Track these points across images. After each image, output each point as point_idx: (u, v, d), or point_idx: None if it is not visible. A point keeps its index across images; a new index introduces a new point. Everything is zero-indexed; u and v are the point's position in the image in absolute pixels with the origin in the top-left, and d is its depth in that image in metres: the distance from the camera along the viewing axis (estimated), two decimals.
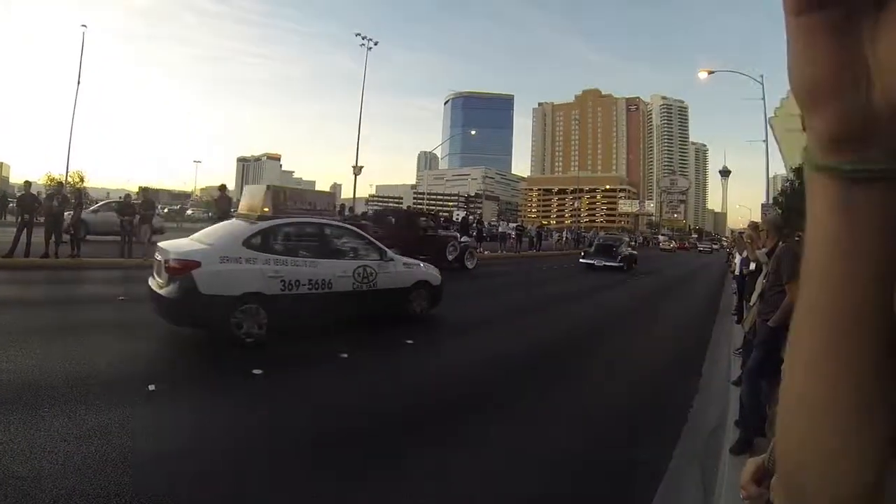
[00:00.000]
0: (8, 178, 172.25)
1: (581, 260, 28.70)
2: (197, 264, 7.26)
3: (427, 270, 10.49)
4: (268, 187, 9.64)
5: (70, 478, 3.38)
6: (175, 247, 7.87)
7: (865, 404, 0.41)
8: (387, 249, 9.86)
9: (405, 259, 10.33)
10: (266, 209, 9.02)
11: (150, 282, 7.74)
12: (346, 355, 6.97)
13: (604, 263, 27.11)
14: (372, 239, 10.05)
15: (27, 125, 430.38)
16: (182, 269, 7.19)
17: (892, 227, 0.38)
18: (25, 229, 13.63)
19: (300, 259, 8.39)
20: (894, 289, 0.40)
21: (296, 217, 9.27)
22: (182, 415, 4.78)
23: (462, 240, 22.58)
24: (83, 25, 34.16)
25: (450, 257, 19.92)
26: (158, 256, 7.74)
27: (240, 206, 10.42)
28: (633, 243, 42.23)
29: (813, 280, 0.50)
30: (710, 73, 32.75)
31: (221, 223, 9.73)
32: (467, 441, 4.70)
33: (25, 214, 14.11)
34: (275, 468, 3.88)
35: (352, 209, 25.76)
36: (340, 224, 10.56)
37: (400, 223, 20.60)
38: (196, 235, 8.72)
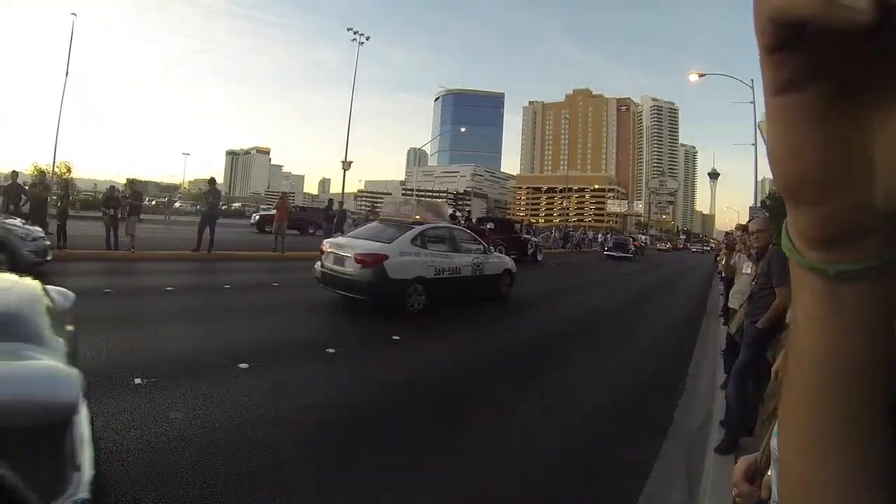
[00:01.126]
0: None
1: (605, 252, 44.20)
2: (386, 257, 10.03)
3: (509, 261, 14.10)
4: (418, 201, 14.29)
5: None
6: (358, 245, 10.45)
7: (865, 484, 0.40)
8: (487, 246, 13.53)
9: (496, 253, 14.30)
10: (418, 216, 12.43)
11: (327, 267, 10.57)
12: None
13: (620, 254, 41.99)
14: (478, 238, 13.60)
15: (14, 116, 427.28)
16: (375, 261, 9.92)
17: (881, 314, 0.37)
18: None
19: (442, 253, 11.46)
20: (886, 372, 0.39)
21: (437, 223, 12.61)
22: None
23: (534, 240, 30.87)
24: (73, 14, 33.67)
25: (528, 252, 28.05)
26: (339, 251, 10.47)
27: (383, 213, 14.10)
28: (638, 242, 59.71)
29: (803, 362, 0.47)
30: (701, 75, 32.85)
31: (379, 225, 12.28)
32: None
33: (11, 205, 14.08)
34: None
35: (341, 204, 25.66)
36: (461, 228, 14.68)
37: (498, 227, 28.36)
38: (358, 233, 11.96)
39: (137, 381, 5.13)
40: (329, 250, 10.75)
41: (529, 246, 28.93)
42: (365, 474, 3.84)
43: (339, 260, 10.36)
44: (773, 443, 0.92)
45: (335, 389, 5.62)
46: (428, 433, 4.70)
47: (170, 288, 10.54)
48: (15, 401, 2.12)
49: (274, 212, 22.56)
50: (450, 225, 13.36)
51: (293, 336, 7.86)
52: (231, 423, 4.47)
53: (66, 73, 34.14)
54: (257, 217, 32.22)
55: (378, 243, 10.48)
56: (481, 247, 12.96)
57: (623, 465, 4.50)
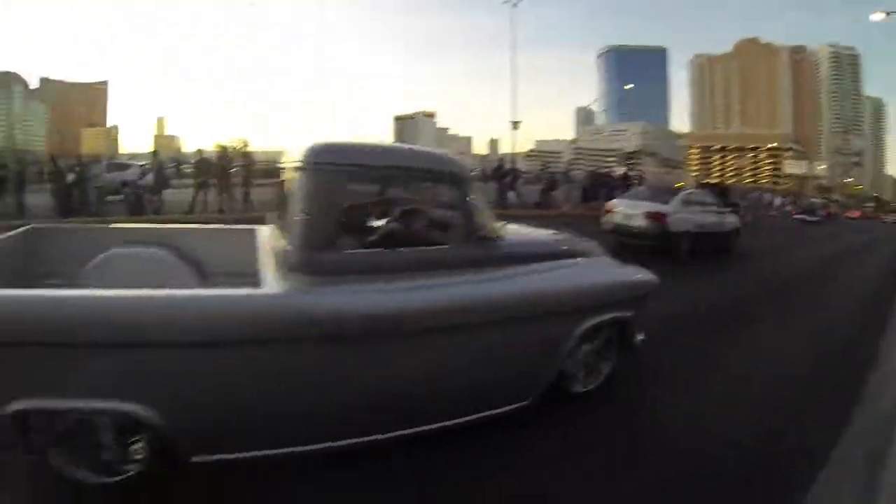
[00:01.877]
0: (181, 148, 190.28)
1: (795, 216, 47.33)
2: (667, 214, 12.98)
3: (736, 220, 16.55)
4: (668, 172, 21.67)
5: None
6: (644, 206, 13.40)
7: None
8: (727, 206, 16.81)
9: (727, 212, 16.29)
10: (680, 183, 19.37)
11: (619, 222, 13.74)
12: None
13: (810, 219, 45.23)
14: (715, 199, 16.08)
15: (197, 102, 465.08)
16: (661, 217, 12.90)
17: None
18: (202, 190, 16.46)
19: (699, 212, 14.13)
20: None
21: (692, 189, 17.70)
22: None
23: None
24: (251, 3, 36.13)
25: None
26: (629, 209, 13.67)
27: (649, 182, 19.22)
28: (830, 210, 67.42)
29: None
30: (888, 14, 29.08)
31: (647, 190, 16.35)
32: None
33: (201, 177, 16.68)
34: None
35: (512, 162, 25.88)
36: (707, 192, 17.49)
37: (716, 192, 29.24)
38: (635, 195, 15.35)
39: None
40: (619, 209, 13.98)
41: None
42: None
43: (629, 216, 13.48)
44: None
45: None
46: None
47: None
48: (644, 281, 4.79)
49: None
50: (701, 190, 18.14)
51: None
52: None
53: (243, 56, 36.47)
54: None
55: (658, 204, 13.36)
56: (720, 208, 15.66)
57: (799, 446, 4.19)
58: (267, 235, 4.26)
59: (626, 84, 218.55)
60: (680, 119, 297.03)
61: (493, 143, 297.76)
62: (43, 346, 2.61)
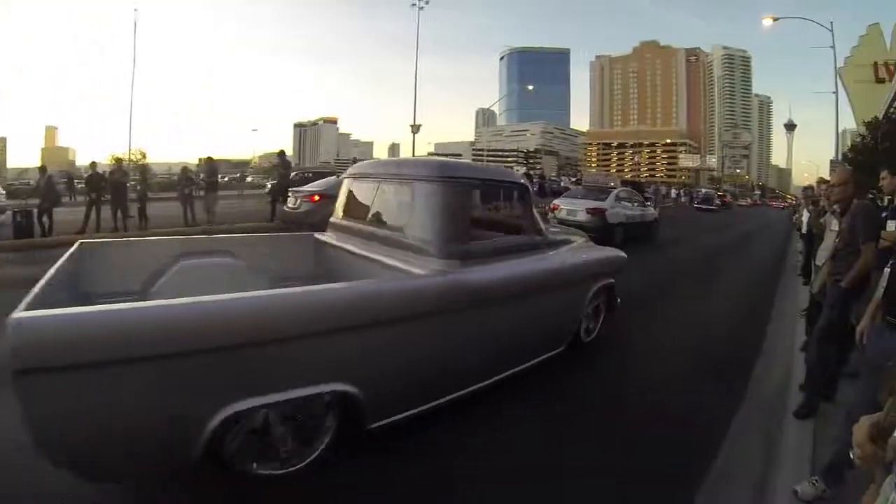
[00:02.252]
0: (74, 161, 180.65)
1: (696, 206, 53.42)
2: (605, 210, 15.40)
3: (655, 212, 19.59)
4: (607, 174, 28.80)
5: None
6: (584, 203, 15.81)
7: None
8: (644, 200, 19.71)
9: (648, 205, 19.66)
10: (612, 184, 21.30)
11: (562, 217, 15.40)
12: None
13: (707, 207, 51.73)
14: (638, 195, 19.51)
15: (89, 110, 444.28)
16: (601, 212, 15.26)
17: None
18: (94, 207, 14.82)
19: (628, 206, 16.89)
20: None
21: (623, 187, 20.83)
22: None
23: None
24: (135, 10, 35.03)
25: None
26: (571, 206, 16.01)
27: (585, 181, 23.45)
28: (728, 199, 74.78)
29: None
30: (775, 19, 31.29)
31: (584, 189, 19.42)
32: None
33: (93, 193, 15.09)
34: None
35: None
36: (631, 189, 20.58)
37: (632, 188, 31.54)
38: (573, 195, 18.15)
39: None
40: (563, 207, 16.31)
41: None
42: None
43: (573, 212, 15.63)
44: None
45: None
46: None
47: None
48: (620, 257, 6.39)
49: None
50: (628, 188, 21.12)
51: None
52: None
53: (133, 63, 35.43)
54: (269, 185, 28.06)
55: (597, 201, 15.84)
56: (642, 202, 18.85)
57: (698, 426, 4.43)
58: (336, 239, 5.26)
59: (528, 85, 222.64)
60: (581, 118, 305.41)
61: (394, 148, 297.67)
62: (255, 346, 2.83)
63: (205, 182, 17.10)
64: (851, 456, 1.18)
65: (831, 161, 26.02)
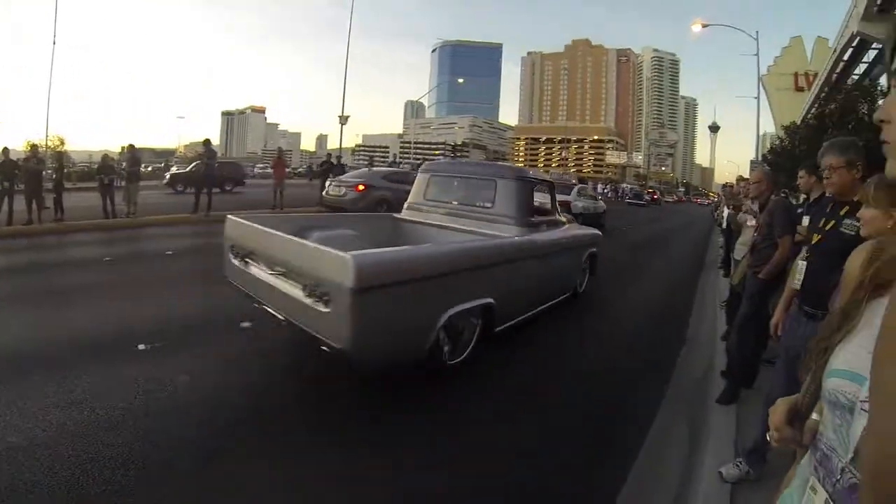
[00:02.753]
0: None
1: (627, 201, 58.07)
2: (570, 202, 18.67)
3: (604, 204, 23.41)
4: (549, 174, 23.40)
5: (64, 444, 3.34)
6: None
7: None
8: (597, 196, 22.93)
9: (599, 198, 23.87)
10: (573, 181, 27.59)
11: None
12: None
13: (638, 202, 57.14)
14: (591, 190, 23.78)
15: (2, 94, 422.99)
16: (567, 204, 17.47)
17: None
18: (6, 197, 13.41)
19: (584, 199, 20.15)
20: None
21: (580, 184, 24.78)
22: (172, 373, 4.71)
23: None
24: None
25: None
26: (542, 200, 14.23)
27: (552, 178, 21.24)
28: (658, 196, 77.96)
29: None
30: (704, 26, 32.09)
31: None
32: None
33: (5, 182, 13.66)
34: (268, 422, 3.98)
35: (339, 157, 25.23)
36: (585, 185, 24.40)
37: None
38: (538, 189, 17.96)
39: (141, 346, 5.11)
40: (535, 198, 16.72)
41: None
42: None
43: (543, 204, 15.56)
44: (831, 384, 0.89)
45: None
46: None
47: (169, 252, 10.56)
48: (597, 233, 9.42)
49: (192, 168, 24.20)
50: (586, 184, 27.27)
51: None
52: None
53: (53, 43, 33.48)
54: (168, 175, 29.56)
55: (563, 195, 17.54)
56: (592, 196, 23.22)
57: (626, 412, 4.58)
58: (416, 217, 7.30)
59: (459, 78, 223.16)
60: (510, 113, 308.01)
61: (322, 139, 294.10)
62: (454, 274, 4.66)
63: (126, 171, 16.14)
64: (769, 438, 1.21)
65: (751, 161, 27.13)
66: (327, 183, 18.67)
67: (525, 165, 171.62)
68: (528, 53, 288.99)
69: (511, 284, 5.67)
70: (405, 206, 7.64)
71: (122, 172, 16.64)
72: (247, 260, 5.11)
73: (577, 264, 8.20)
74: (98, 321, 5.88)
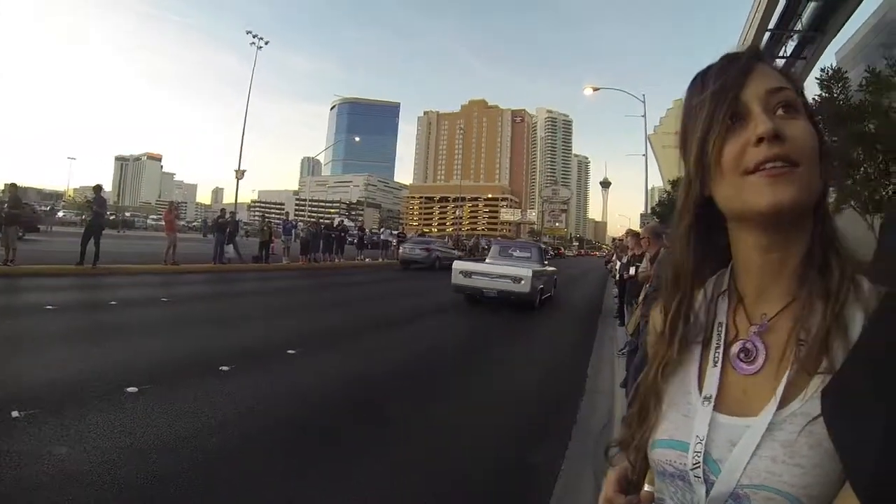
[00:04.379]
0: None
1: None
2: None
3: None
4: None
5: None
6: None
7: None
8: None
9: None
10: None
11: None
12: None
13: (548, 256, 57.75)
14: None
15: None
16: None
17: None
18: None
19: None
20: None
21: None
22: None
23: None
24: None
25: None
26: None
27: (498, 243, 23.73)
28: (563, 251, 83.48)
29: None
30: (596, 89, 34.30)
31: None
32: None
33: None
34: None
35: (233, 213, 24.60)
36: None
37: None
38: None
39: (15, 413, 4.51)
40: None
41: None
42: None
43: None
44: (656, 455, 0.89)
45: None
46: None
47: (50, 307, 9.49)
48: (555, 269, 20.45)
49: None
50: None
51: (184, 354, 7.28)
52: (123, 452, 4.09)
53: None
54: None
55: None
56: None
57: (532, 466, 4.52)
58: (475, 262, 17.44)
59: (356, 136, 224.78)
60: (407, 172, 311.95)
61: (218, 192, 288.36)
62: (544, 276, 16.71)
63: (5, 213, 14.49)
64: None
65: (641, 215, 28.61)
66: (401, 247, 32.52)
67: (419, 224, 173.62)
68: (425, 113, 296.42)
69: (545, 282, 16.24)
70: (489, 255, 18.37)
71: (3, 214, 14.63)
72: (471, 274, 15.13)
73: (551, 281, 18.07)
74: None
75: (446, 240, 54.18)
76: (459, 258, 24.66)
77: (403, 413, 5.67)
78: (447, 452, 4.74)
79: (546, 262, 18.19)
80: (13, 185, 15.82)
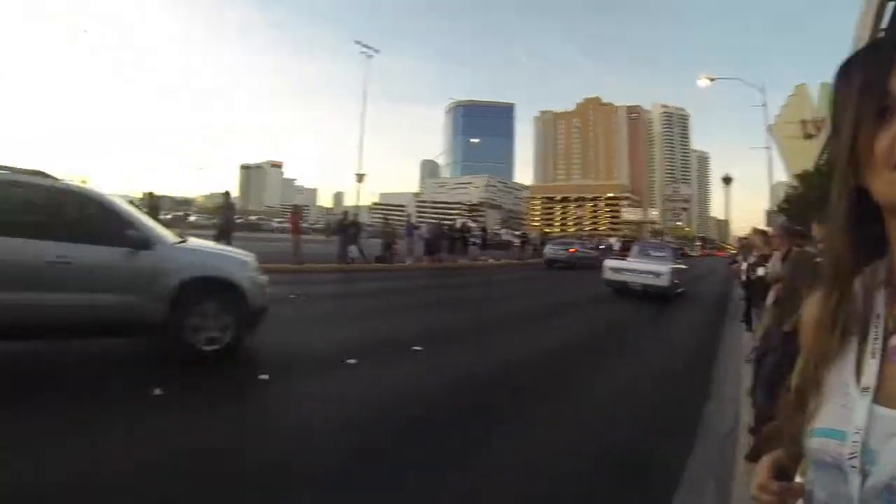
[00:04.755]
0: None
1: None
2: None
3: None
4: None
5: None
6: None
7: None
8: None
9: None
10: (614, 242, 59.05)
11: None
12: None
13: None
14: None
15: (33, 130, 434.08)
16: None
17: None
18: None
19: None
20: None
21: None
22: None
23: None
24: (84, 30, 34.13)
25: None
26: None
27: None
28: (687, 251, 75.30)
29: None
30: (712, 80, 32.41)
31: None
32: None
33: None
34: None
35: (355, 215, 25.34)
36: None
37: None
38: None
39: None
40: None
41: None
42: None
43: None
44: (814, 443, 0.88)
45: None
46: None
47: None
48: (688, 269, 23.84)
49: None
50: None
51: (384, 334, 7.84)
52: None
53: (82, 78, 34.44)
54: None
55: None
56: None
57: (654, 464, 4.52)
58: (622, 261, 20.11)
59: (473, 138, 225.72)
60: (524, 172, 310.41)
61: (339, 196, 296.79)
62: (678, 272, 19.98)
63: (223, 224, 16.03)
64: (753, 498, 1.16)
65: (767, 211, 27.10)
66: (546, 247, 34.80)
67: (541, 224, 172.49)
68: (541, 113, 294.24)
69: (680, 278, 18.99)
70: (630, 254, 20.58)
71: None
72: (619, 271, 18.15)
73: (686, 277, 20.07)
74: None
75: (584, 241, 55.26)
76: (597, 258, 30.71)
77: (545, 394, 6.09)
78: (570, 443, 4.87)
79: (679, 261, 20.41)
80: (151, 194, 17.05)
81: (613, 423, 5.64)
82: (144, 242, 6.26)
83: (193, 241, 7.59)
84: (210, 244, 8.68)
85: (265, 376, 5.96)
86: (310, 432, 4.72)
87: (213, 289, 6.61)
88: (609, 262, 19.16)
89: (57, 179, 6.13)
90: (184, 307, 6.28)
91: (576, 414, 5.85)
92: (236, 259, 7.41)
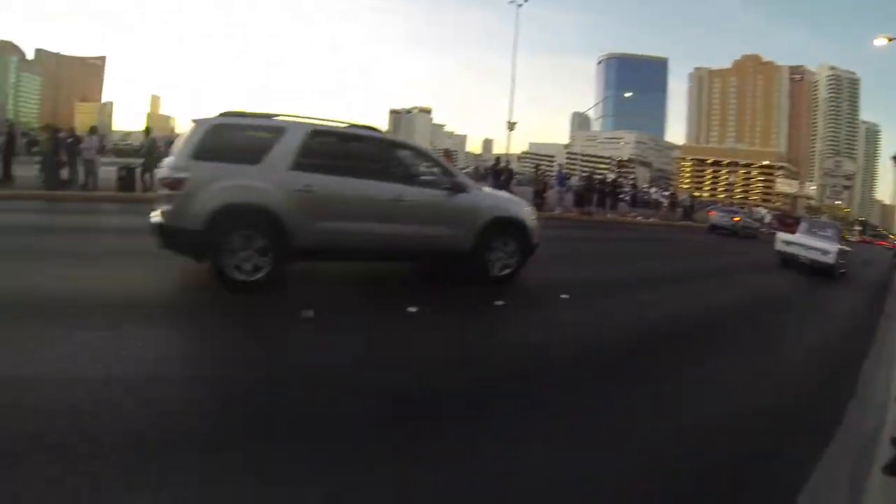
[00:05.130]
0: (174, 129, 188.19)
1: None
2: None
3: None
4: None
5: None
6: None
7: None
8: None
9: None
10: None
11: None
12: None
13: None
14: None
15: (194, 81, 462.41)
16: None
17: None
18: None
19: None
20: None
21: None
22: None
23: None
24: None
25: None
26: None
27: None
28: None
29: None
30: (891, 40, 28.03)
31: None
32: None
33: None
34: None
35: (508, 161, 25.54)
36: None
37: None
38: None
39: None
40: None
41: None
42: None
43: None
44: None
45: None
46: None
47: None
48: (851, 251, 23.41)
49: None
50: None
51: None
52: None
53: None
54: None
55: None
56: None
57: (784, 457, 4.37)
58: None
59: (625, 92, 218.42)
60: (675, 130, 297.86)
61: (488, 143, 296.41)
62: (845, 252, 20.76)
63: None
64: None
65: None
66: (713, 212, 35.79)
67: (690, 187, 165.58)
68: (695, 69, 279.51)
69: (845, 258, 19.08)
70: (799, 230, 20.49)
71: None
72: (791, 244, 19.01)
73: (849, 258, 20.43)
74: None
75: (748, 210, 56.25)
76: (758, 229, 37.20)
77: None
78: (702, 419, 4.85)
79: (843, 243, 20.80)
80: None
81: (746, 404, 5.45)
82: (462, 187, 8.17)
83: (486, 188, 9.94)
84: (496, 191, 11.03)
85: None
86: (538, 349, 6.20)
87: (506, 226, 8.50)
88: (781, 235, 21.02)
89: (385, 132, 8.52)
90: (486, 239, 8.20)
91: (704, 385, 5.80)
92: (521, 203, 9.61)
